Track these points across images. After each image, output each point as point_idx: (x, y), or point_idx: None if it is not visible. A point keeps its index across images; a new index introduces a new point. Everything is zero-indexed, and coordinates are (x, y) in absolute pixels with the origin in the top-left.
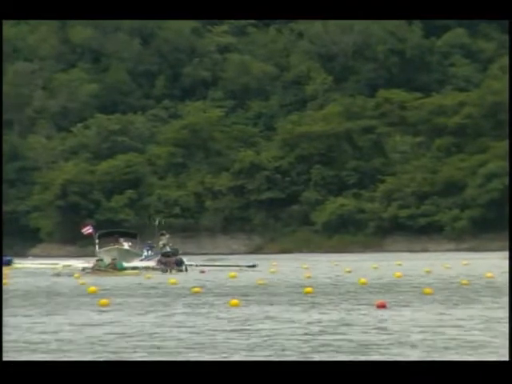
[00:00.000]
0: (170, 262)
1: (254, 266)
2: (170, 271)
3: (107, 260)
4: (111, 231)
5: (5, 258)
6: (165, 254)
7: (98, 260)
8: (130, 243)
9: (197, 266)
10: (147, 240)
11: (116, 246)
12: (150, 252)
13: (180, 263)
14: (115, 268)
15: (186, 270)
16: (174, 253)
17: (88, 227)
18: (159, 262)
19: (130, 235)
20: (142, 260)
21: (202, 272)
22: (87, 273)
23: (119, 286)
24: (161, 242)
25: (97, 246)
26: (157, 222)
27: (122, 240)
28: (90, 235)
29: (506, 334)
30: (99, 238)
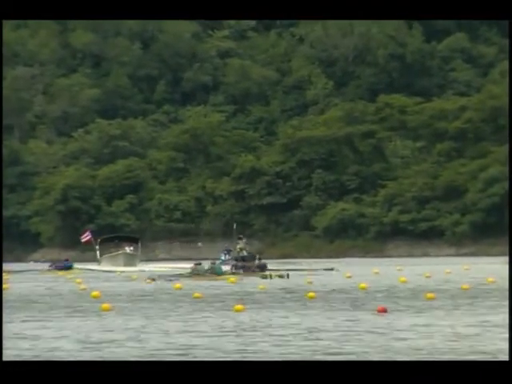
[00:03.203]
0: (251, 266)
1: (331, 270)
2: (266, 277)
3: (109, 264)
4: (112, 236)
5: (66, 263)
6: (243, 259)
7: (196, 264)
8: (132, 248)
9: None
10: (147, 243)
11: (121, 252)
12: (227, 256)
13: (263, 267)
14: (214, 273)
15: (288, 276)
16: (250, 258)
17: (86, 233)
18: (235, 266)
19: (131, 240)
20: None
21: (281, 277)
22: (187, 277)
23: (123, 291)
24: (238, 246)
25: (98, 252)
26: (234, 227)
27: (126, 245)
28: (88, 242)
29: (506, 336)
30: (100, 243)
